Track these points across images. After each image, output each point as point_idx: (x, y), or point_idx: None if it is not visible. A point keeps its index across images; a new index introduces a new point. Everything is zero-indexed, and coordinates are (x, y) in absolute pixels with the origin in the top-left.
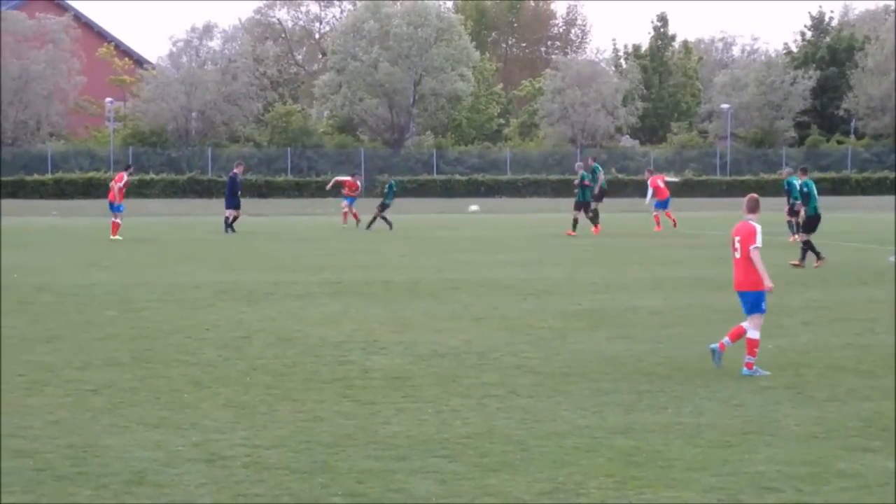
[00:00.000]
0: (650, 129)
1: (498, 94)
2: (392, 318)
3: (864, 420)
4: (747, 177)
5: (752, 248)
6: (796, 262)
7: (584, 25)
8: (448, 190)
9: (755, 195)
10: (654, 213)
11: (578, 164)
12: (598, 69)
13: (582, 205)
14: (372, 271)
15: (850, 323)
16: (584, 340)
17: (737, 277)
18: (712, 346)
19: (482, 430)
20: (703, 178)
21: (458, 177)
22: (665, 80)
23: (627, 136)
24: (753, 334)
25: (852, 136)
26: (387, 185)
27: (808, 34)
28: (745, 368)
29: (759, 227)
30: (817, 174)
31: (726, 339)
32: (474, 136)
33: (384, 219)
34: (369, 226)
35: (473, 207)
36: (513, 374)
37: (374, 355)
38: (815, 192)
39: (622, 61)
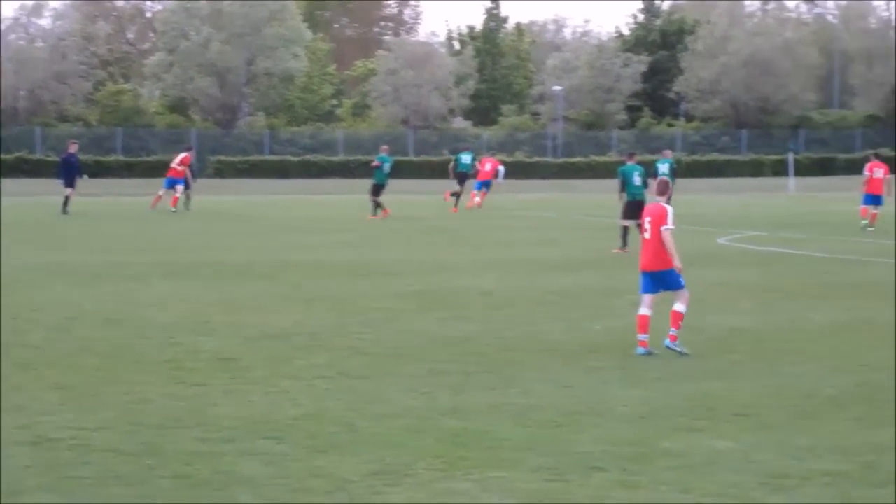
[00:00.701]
0: (483, 111)
1: (331, 75)
2: (222, 300)
3: (690, 400)
4: (578, 159)
5: (664, 228)
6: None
7: (417, 6)
8: (280, 171)
9: (665, 179)
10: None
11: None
12: (432, 50)
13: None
14: (203, 253)
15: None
16: (414, 321)
17: (645, 258)
18: (666, 343)
19: (311, 412)
20: (535, 159)
21: (290, 158)
22: (498, 62)
23: (460, 117)
24: (679, 307)
25: (682, 119)
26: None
27: (640, 17)
28: (667, 340)
29: (670, 209)
30: (648, 156)
31: (672, 330)
32: (307, 116)
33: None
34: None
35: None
36: (343, 355)
37: (203, 337)
38: (637, 177)
39: (455, 43)
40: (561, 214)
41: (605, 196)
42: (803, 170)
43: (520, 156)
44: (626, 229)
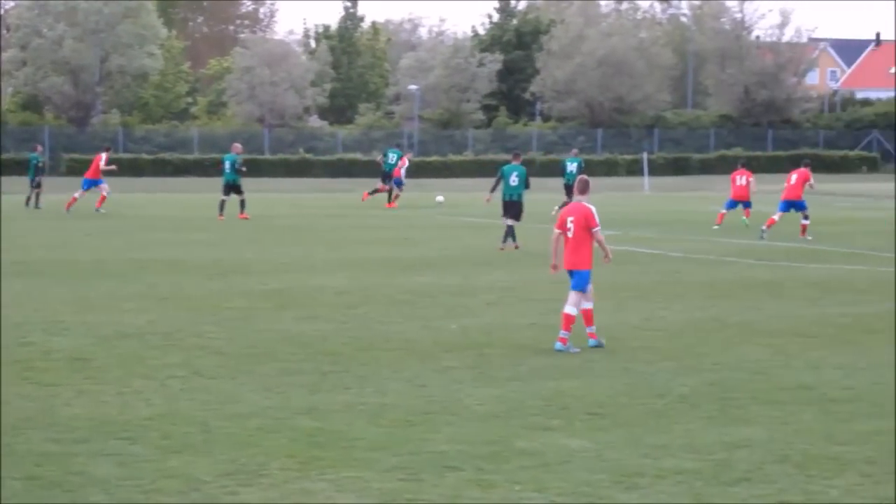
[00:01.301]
0: (339, 110)
1: (186, 73)
2: (75, 299)
3: (544, 399)
4: (434, 158)
5: (594, 229)
6: (514, 245)
7: (273, 5)
8: (135, 169)
9: (585, 177)
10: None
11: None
12: (288, 49)
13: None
14: (56, 251)
15: (533, 303)
16: (269, 320)
17: (568, 257)
18: (590, 343)
19: (164, 412)
20: None
21: (144, 156)
22: (354, 60)
23: (316, 116)
24: (585, 306)
25: (539, 119)
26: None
27: (495, 17)
28: (591, 339)
29: (594, 208)
30: (503, 156)
31: (590, 328)
32: (162, 114)
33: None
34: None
35: (439, 198)
36: (197, 354)
37: (56, 336)
38: (514, 177)
39: (311, 41)
40: (417, 213)
41: (461, 195)
42: (658, 169)
43: (376, 155)
44: (510, 227)
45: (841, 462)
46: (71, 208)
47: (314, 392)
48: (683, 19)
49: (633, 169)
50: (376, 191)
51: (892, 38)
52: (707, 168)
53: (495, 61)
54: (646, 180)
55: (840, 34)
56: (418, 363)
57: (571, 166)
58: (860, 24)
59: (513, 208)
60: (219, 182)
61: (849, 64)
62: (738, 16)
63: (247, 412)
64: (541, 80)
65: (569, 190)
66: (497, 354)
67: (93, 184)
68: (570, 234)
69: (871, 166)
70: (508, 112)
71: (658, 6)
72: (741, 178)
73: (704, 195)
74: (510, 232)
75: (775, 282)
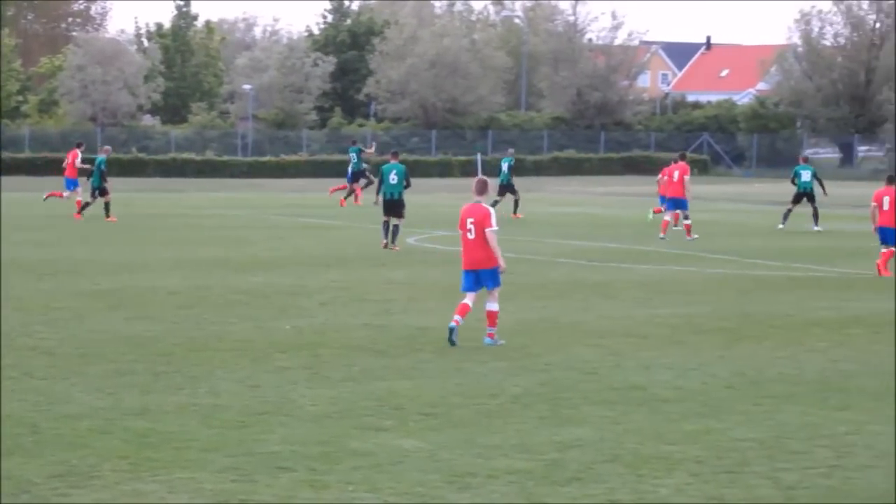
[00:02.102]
0: (172, 109)
1: (16, 71)
2: None
3: (377, 399)
4: (268, 158)
5: (489, 230)
6: (394, 247)
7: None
8: None
9: (484, 178)
10: None
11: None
12: (121, 48)
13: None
14: None
15: (367, 304)
16: (101, 321)
17: (470, 256)
18: (486, 341)
19: None
20: (225, 158)
21: None
22: (188, 59)
23: (149, 115)
24: (494, 307)
25: (373, 120)
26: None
27: (329, 17)
28: (487, 338)
29: (492, 210)
30: (338, 157)
31: (457, 317)
32: None
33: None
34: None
35: None
36: (27, 355)
37: None
38: (393, 175)
39: (144, 40)
40: (250, 213)
41: (295, 196)
42: (492, 171)
43: (210, 154)
44: (385, 223)
45: (671, 461)
46: (83, 211)
47: (146, 393)
48: (517, 21)
49: (468, 170)
50: (342, 189)
51: (723, 41)
52: (540, 169)
53: (329, 62)
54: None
55: (671, 37)
56: (252, 364)
57: (504, 165)
58: (691, 27)
59: (394, 207)
60: (53, 181)
61: (680, 67)
62: (571, 18)
63: (78, 413)
64: (374, 80)
65: (503, 190)
66: (330, 355)
67: (75, 183)
68: (471, 236)
69: (702, 169)
70: (343, 112)
71: (492, 8)
72: (675, 172)
73: (538, 196)
74: (394, 231)
75: (606, 283)
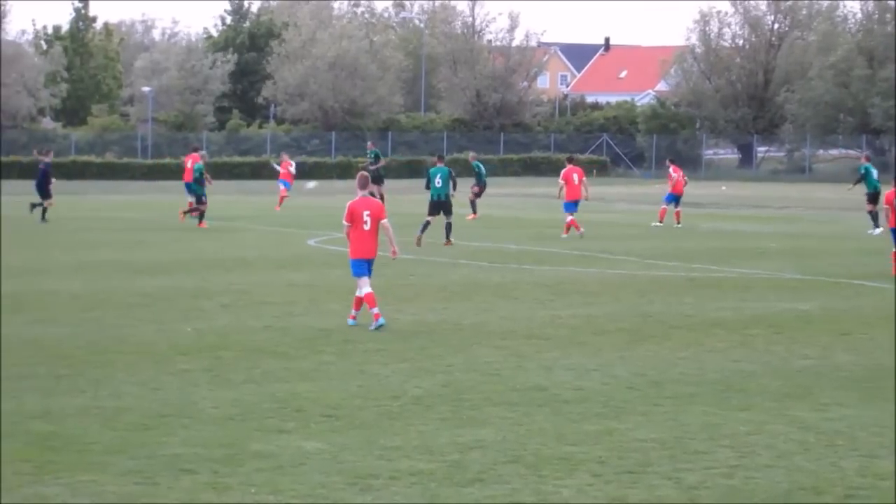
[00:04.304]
0: (72, 112)
1: None
2: None
3: (279, 401)
4: (168, 160)
5: (385, 222)
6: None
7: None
8: None
9: (365, 173)
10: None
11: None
12: (20, 50)
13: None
14: None
15: (269, 306)
16: (2, 324)
17: (363, 246)
18: (380, 323)
19: None
20: (125, 160)
21: None
22: (86, 62)
23: (49, 117)
24: (368, 290)
25: (273, 121)
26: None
27: (228, 19)
28: (375, 320)
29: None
30: (238, 159)
31: (375, 310)
32: None
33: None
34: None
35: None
36: None
37: None
38: (437, 179)
39: (43, 42)
40: (151, 216)
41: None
42: (392, 172)
43: (110, 157)
44: (426, 224)
45: (572, 462)
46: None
47: (48, 396)
48: (417, 23)
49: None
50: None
51: (622, 42)
52: None
53: (228, 62)
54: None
55: (570, 39)
56: (153, 366)
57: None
58: (590, 28)
59: (442, 206)
60: None
61: (579, 68)
62: (469, 20)
63: None
64: (273, 83)
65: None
66: (232, 357)
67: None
68: (367, 227)
69: (601, 170)
70: (242, 114)
71: (392, 10)
72: (575, 175)
73: None
74: (447, 228)
75: (508, 284)
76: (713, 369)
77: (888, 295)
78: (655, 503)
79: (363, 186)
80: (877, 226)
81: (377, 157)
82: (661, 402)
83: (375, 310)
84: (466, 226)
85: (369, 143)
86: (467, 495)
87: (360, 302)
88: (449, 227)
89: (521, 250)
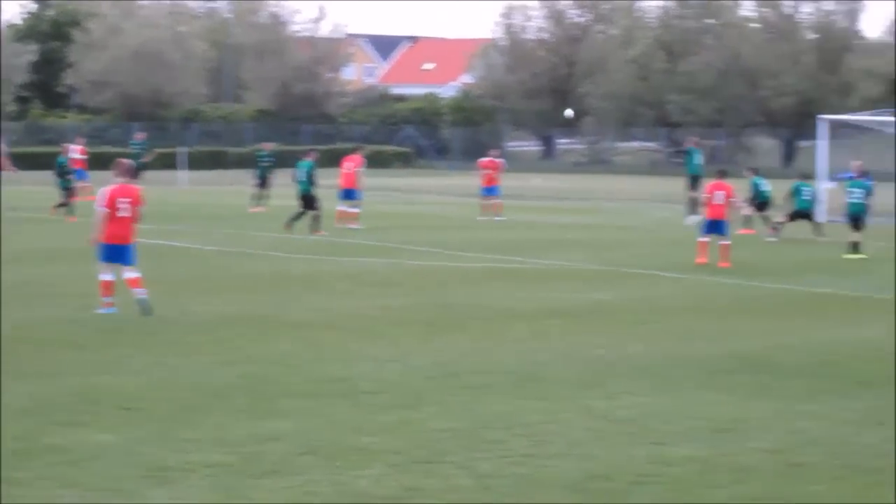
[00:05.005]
0: None
1: None
2: None
3: (74, 394)
4: None
5: (139, 207)
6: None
7: None
8: None
9: (126, 162)
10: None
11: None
12: None
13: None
14: None
15: (66, 298)
16: None
17: (116, 231)
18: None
19: None
20: None
21: None
22: None
23: None
24: (137, 273)
25: (75, 111)
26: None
27: (32, 7)
28: (143, 296)
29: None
30: (39, 148)
31: (110, 298)
32: None
33: None
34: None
35: None
36: None
37: None
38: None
39: None
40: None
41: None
42: (195, 163)
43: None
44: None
45: (369, 453)
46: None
47: None
48: (223, 13)
49: (169, 162)
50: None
51: (429, 35)
52: (244, 162)
53: (30, 52)
54: (182, 174)
55: (377, 31)
56: None
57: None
58: (397, 21)
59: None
60: None
61: (386, 60)
62: (276, 10)
63: None
64: (75, 71)
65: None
66: (27, 350)
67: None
68: (124, 213)
69: (406, 161)
70: (45, 104)
71: None
72: (349, 164)
73: (241, 189)
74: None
75: (310, 275)
76: (509, 359)
77: (682, 284)
78: (450, 492)
79: (123, 173)
80: (694, 213)
81: (143, 150)
82: (458, 392)
83: (140, 289)
84: (270, 217)
85: (138, 135)
86: (262, 487)
87: (108, 286)
88: (315, 218)
89: (326, 241)
